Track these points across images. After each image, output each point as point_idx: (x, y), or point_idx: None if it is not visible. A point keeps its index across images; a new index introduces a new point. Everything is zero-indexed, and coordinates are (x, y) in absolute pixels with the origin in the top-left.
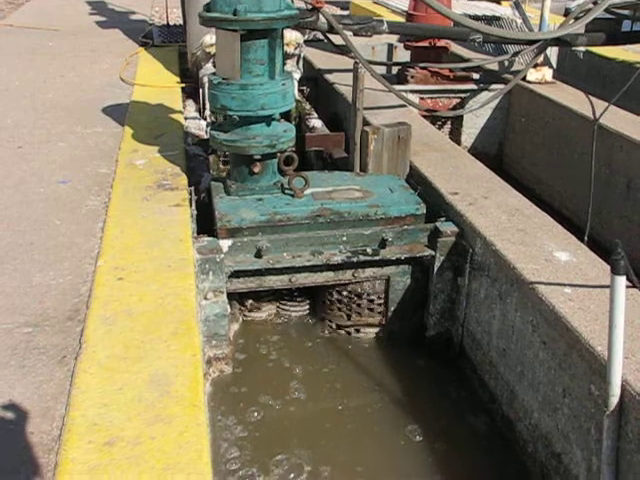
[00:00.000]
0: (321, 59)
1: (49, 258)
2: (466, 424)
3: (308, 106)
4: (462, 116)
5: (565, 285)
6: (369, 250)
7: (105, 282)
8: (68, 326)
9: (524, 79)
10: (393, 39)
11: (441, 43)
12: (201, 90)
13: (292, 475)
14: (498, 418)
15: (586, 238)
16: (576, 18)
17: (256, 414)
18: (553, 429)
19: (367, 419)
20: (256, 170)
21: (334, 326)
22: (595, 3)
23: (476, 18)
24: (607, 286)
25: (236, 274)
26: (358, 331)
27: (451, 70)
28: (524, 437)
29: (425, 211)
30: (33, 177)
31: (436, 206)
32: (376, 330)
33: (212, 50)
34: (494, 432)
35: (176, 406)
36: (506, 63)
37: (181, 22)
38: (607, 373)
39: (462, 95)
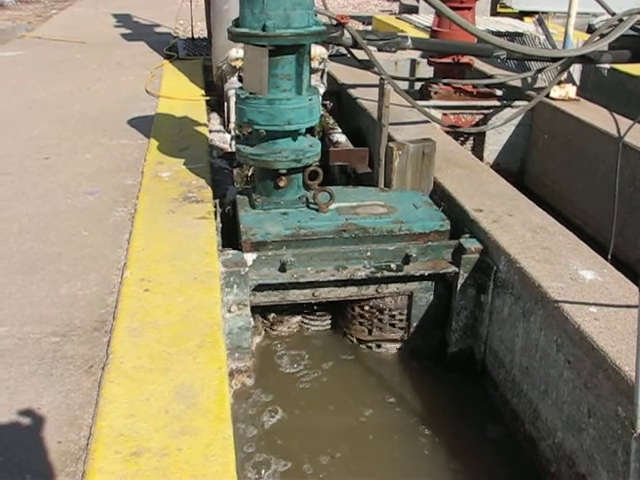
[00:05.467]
0: (344, 74)
1: (76, 269)
2: (488, 442)
3: (331, 121)
4: (485, 132)
5: (590, 304)
6: (393, 266)
7: (132, 293)
8: (95, 336)
9: (547, 96)
10: (416, 55)
11: (464, 59)
12: (226, 103)
13: None
14: (520, 437)
15: (609, 256)
16: (601, 35)
17: (276, 426)
18: (578, 449)
19: (387, 434)
20: (281, 184)
21: (356, 341)
22: (620, 20)
23: (499, 34)
24: (634, 306)
25: (260, 287)
26: (380, 346)
27: (474, 86)
28: (547, 456)
29: (449, 228)
30: (60, 188)
31: (460, 223)
32: (398, 346)
33: (238, 64)
34: (516, 450)
35: (202, 418)
36: (529, 80)
37: (205, 35)
38: (634, 394)
39: (485, 111)
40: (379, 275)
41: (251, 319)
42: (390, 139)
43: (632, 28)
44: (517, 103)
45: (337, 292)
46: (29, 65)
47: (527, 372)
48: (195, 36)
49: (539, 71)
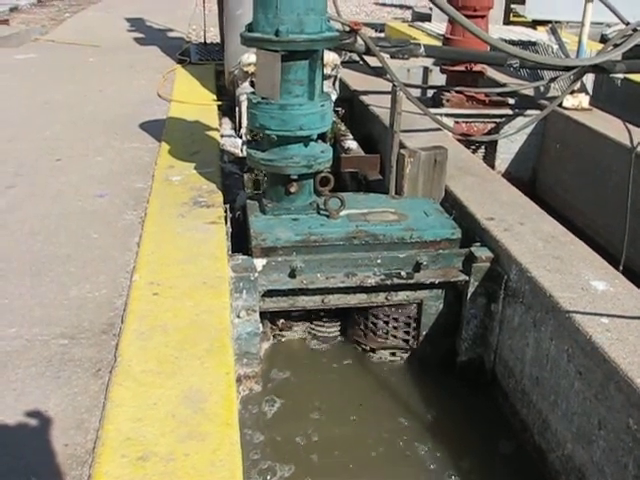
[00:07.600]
0: (356, 81)
1: (85, 271)
2: (496, 452)
3: (343, 127)
4: (496, 141)
5: (602, 315)
6: (403, 273)
7: (140, 297)
8: (103, 339)
9: (560, 105)
10: (428, 62)
11: (477, 67)
12: (237, 108)
13: None
14: (530, 447)
15: (621, 267)
16: (615, 45)
17: (283, 432)
18: (588, 462)
19: (395, 443)
20: (292, 190)
21: (365, 348)
22: (635, 30)
23: (512, 43)
24: None
25: (269, 293)
26: (389, 354)
27: (486, 95)
28: (556, 468)
29: (460, 236)
30: (71, 190)
31: (471, 231)
32: (407, 354)
33: (250, 69)
34: (525, 461)
35: (210, 423)
36: (542, 89)
37: (218, 40)
38: None
39: (497, 120)
40: (389, 282)
41: (260, 325)
42: (402, 146)
43: None
44: (529, 112)
45: (346, 299)
46: (42, 68)
47: (537, 382)
48: (208, 41)
49: (552, 80)
